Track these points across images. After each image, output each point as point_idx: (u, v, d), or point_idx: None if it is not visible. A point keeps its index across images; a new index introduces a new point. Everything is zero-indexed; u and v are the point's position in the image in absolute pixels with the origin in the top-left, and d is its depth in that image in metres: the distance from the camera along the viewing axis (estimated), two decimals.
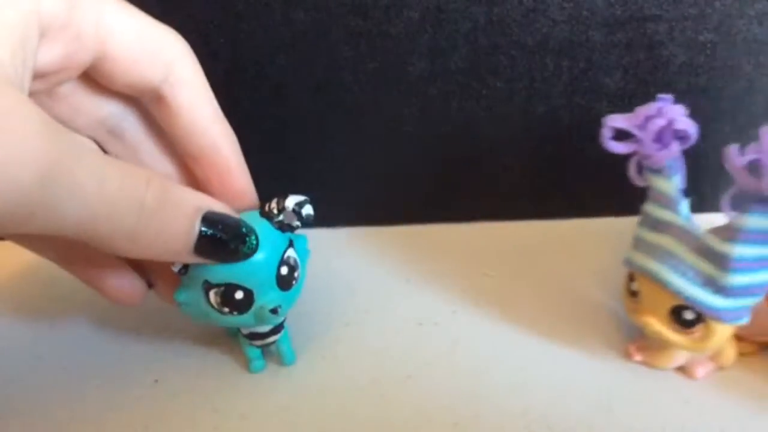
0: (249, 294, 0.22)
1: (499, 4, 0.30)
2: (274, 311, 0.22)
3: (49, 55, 0.19)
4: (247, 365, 0.26)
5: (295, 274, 0.23)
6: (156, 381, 0.26)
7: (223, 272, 0.22)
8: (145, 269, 0.25)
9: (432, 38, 0.31)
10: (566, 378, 0.25)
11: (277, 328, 0.25)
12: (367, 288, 0.31)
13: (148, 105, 0.23)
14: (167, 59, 0.22)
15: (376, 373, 0.25)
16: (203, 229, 0.20)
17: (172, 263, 0.22)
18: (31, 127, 0.16)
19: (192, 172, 0.25)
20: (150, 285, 0.25)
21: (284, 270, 0.23)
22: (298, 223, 0.23)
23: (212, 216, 0.21)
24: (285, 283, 0.23)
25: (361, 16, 0.31)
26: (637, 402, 0.23)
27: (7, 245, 0.36)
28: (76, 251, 0.24)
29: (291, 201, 0.23)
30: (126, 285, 0.25)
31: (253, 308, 0.22)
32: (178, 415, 0.24)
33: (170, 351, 0.27)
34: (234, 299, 0.22)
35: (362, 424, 0.23)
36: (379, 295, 0.30)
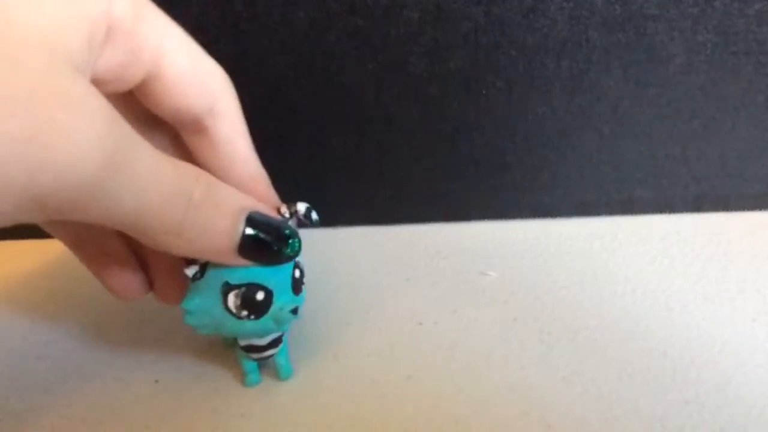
0: (269, 295, 0.22)
1: (499, 4, 0.30)
2: (294, 311, 0.22)
3: (108, 60, 0.19)
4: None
5: (304, 279, 0.23)
6: (156, 381, 0.26)
7: (244, 273, 0.22)
8: (147, 268, 0.25)
9: (432, 38, 0.31)
10: (566, 377, 0.25)
11: (276, 341, 0.24)
12: (367, 288, 0.31)
13: (185, 136, 0.23)
14: (214, 90, 0.22)
15: (376, 373, 0.25)
16: (248, 229, 0.21)
17: (186, 266, 0.22)
18: (99, 114, 0.17)
19: None
20: (151, 285, 0.25)
21: (297, 273, 0.23)
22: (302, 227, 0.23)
23: (257, 216, 0.21)
24: (297, 286, 0.23)
25: (361, 16, 0.31)
26: (637, 403, 0.23)
27: (7, 245, 0.36)
28: (88, 236, 0.24)
29: (302, 206, 0.24)
30: (129, 279, 0.25)
31: (272, 310, 0.22)
32: (178, 415, 0.24)
33: (170, 351, 0.27)
34: (255, 300, 0.22)
35: (362, 424, 0.23)
36: (379, 295, 0.30)
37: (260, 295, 0.22)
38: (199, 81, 0.22)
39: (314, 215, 0.24)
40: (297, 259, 0.23)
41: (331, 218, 0.36)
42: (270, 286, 0.22)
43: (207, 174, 0.20)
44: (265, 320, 0.22)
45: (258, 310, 0.22)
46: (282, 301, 0.22)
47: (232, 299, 0.22)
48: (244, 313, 0.22)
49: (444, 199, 0.36)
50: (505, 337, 0.27)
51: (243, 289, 0.22)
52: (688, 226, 0.34)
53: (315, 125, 0.34)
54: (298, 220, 0.24)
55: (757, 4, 0.30)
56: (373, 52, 0.32)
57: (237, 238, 0.20)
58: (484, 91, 0.33)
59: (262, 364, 0.25)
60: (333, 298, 0.30)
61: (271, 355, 0.25)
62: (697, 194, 0.35)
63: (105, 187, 0.17)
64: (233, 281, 0.22)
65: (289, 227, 0.22)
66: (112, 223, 0.18)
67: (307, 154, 0.34)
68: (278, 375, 0.25)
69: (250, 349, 0.24)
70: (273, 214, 0.22)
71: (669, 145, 0.34)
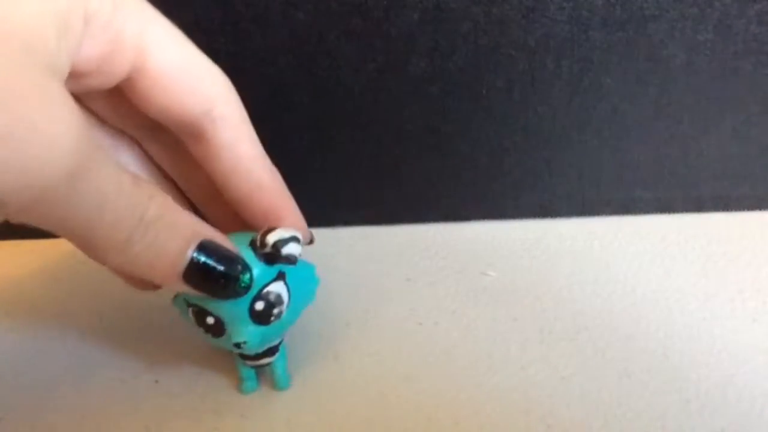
0: (220, 322, 0.22)
1: (499, 4, 0.30)
2: (236, 345, 0.21)
3: (87, 52, 0.18)
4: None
5: (275, 311, 0.22)
6: (156, 381, 0.26)
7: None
8: None
9: (432, 38, 0.31)
10: (566, 378, 0.25)
11: (271, 351, 0.24)
12: (367, 288, 0.31)
13: (186, 142, 0.23)
14: (211, 92, 0.21)
15: (376, 373, 0.25)
16: (196, 255, 0.20)
17: None
18: (70, 123, 0.16)
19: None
20: None
21: (259, 305, 0.21)
22: (284, 261, 0.22)
23: (210, 245, 0.20)
24: (261, 318, 0.22)
25: (361, 16, 0.31)
26: (637, 403, 0.23)
27: (7, 245, 0.36)
28: None
29: (273, 237, 0.21)
30: None
31: (225, 335, 0.22)
32: (178, 415, 0.24)
33: (170, 351, 0.27)
34: (206, 323, 0.22)
35: (362, 424, 0.23)
36: (379, 295, 0.30)
37: (210, 320, 0.22)
38: (190, 78, 0.21)
39: (287, 249, 0.21)
40: (269, 289, 0.22)
41: (331, 218, 0.36)
42: (220, 315, 0.21)
43: (164, 194, 0.20)
44: (223, 341, 0.22)
45: (212, 331, 0.22)
46: (235, 332, 0.21)
47: (190, 314, 0.22)
48: (202, 330, 0.22)
49: (444, 199, 0.36)
50: (505, 337, 0.27)
51: (196, 309, 0.22)
52: (688, 226, 0.34)
53: (315, 125, 0.34)
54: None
55: (757, 4, 0.30)
56: (373, 52, 0.32)
57: (184, 263, 0.20)
58: (484, 91, 0.33)
59: (260, 371, 0.25)
60: (333, 298, 0.30)
61: (267, 364, 0.24)
62: (697, 194, 0.35)
63: (66, 196, 0.16)
64: (189, 299, 0.22)
65: (243, 261, 0.21)
66: (62, 232, 0.18)
67: (307, 154, 0.34)
68: (275, 384, 0.25)
69: (245, 356, 0.24)
70: (230, 246, 0.21)
71: (669, 145, 0.34)
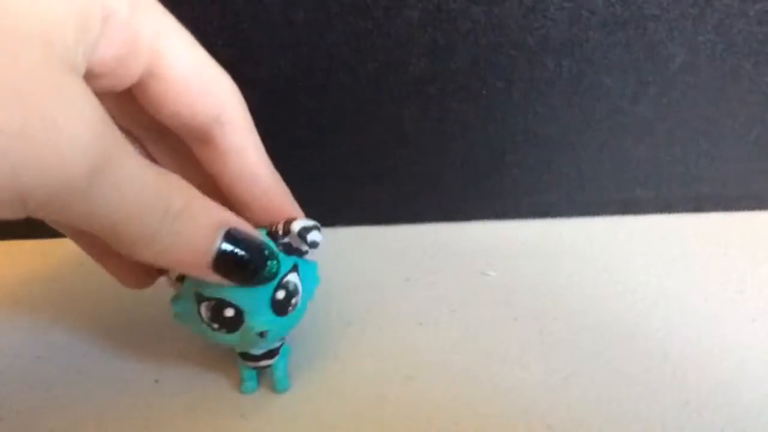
0: (239, 313, 0.22)
1: (499, 4, 0.30)
2: (261, 335, 0.21)
3: (103, 52, 0.18)
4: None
5: (293, 301, 0.22)
6: (156, 381, 0.26)
7: (215, 286, 0.21)
8: None
9: (432, 38, 0.31)
10: (566, 378, 0.25)
11: (272, 353, 0.24)
12: (367, 288, 0.31)
13: (193, 146, 0.23)
14: (220, 97, 0.21)
15: (376, 374, 0.25)
16: (225, 245, 0.20)
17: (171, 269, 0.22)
18: (94, 116, 0.16)
19: None
20: (161, 272, 0.25)
21: (280, 294, 0.22)
22: (306, 248, 0.22)
23: (236, 233, 0.20)
24: (280, 307, 0.22)
25: (361, 16, 0.31)
26: (637, 403, 0.23)
27: (7, 245, 0.36)
28: None
29: (297, 225, 0.22)
30: (133, 266, 0.24)
31: (242, 328, 0.22)
32: (178, 415, 0.24)
33: (170, 351, 0.27)
34: (223, 316, 0.22)
35: (362, 424, 0.23)
36: (379, 295, 0.30)
37: (229, 312, 0.21)
38: (202, 84, 0.21)
39: (311, 236, 0.22)
40: (288, 278, 0.22)
41: (331, 218, 0.36)
42: (241, 306, 0.21)
43: (188, 185, 0.20)
44: (235, 336, 0.22)
45: (227, 325, 0.22)
46: (256, 322, 0.22)
47: (203, 310, 0.22)
48: (215, 325, 0.22)
49: (444, 199, 0.36)
50: (505, 337, 0.27)
51: (213, 302, 0.22)
52: (688, 226, 0.34)
53: (315, 125, 0.34)
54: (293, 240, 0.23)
55: (757, 4, 0.30)
56: (373, 52, 0.32)
57: (212, 253, 0.20)
58: (484, 91, 0.33)
59: (261, 372, 0.25)
60: (333, 298, 0.30)
61: (268, 366, 0.24)
62: (697, 194, 0.35)
63: (87, 192, 0.16)
64: (205, 293, 0.22)
65: (269, 247, 0.21)
66: (87, 227, 0.18)
67: (307, 154, 0.34)
68: (274, 386, 0.25)
69: (246, 356, 0.24)
70: (254, 232, 0.21)
71: (669, 145, 0.34)
